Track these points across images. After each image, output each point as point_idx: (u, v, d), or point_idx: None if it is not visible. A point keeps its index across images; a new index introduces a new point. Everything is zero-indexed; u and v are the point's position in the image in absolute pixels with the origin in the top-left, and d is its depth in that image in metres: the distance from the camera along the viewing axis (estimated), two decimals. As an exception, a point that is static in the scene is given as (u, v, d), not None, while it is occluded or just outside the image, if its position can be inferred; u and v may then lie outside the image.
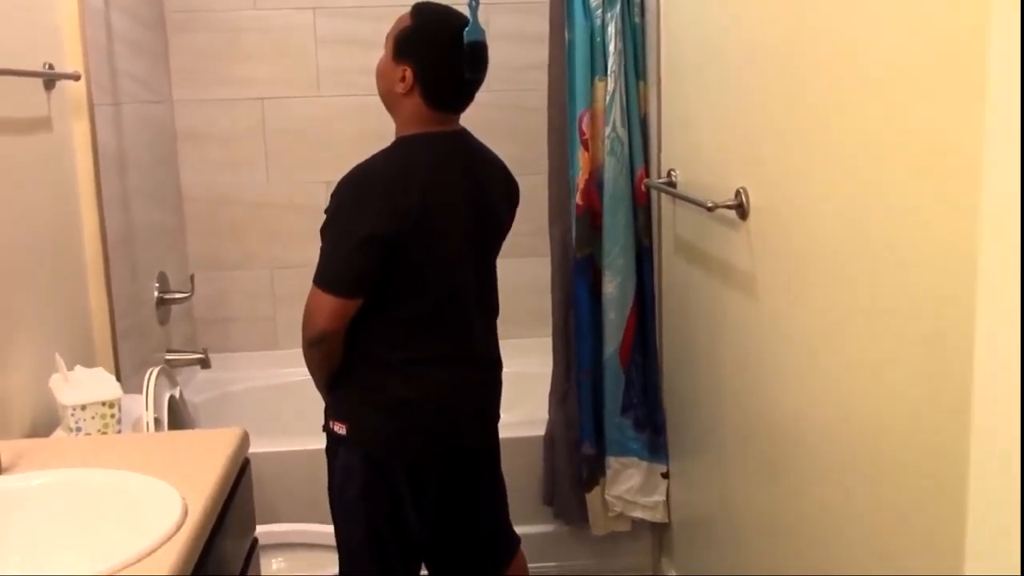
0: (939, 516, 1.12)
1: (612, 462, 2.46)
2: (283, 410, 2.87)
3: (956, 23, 1.04)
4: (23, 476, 1.36)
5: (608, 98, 2.32)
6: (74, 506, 1.29)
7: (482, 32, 1.72)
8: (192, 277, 2.96)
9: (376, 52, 1.83)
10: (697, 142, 2.02)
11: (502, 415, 1.96)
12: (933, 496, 1.13)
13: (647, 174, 2.38)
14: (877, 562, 1.29)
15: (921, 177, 1.13)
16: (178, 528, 1.18)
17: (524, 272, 2.88)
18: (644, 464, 2.44)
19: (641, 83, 2.37)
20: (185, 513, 1.22)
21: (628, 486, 2.45)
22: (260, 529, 1.67)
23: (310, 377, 1.82)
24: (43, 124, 2.06)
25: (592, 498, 2.47)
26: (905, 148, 1.16)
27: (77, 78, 2.14)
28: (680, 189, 2.12)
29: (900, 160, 1.17)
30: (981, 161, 0.99)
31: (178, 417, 2.13)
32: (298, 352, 1.79)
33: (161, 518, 1.19)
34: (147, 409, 1.94)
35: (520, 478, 2.29)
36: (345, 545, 1.83)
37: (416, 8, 1.77)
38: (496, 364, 1.92)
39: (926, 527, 1.15)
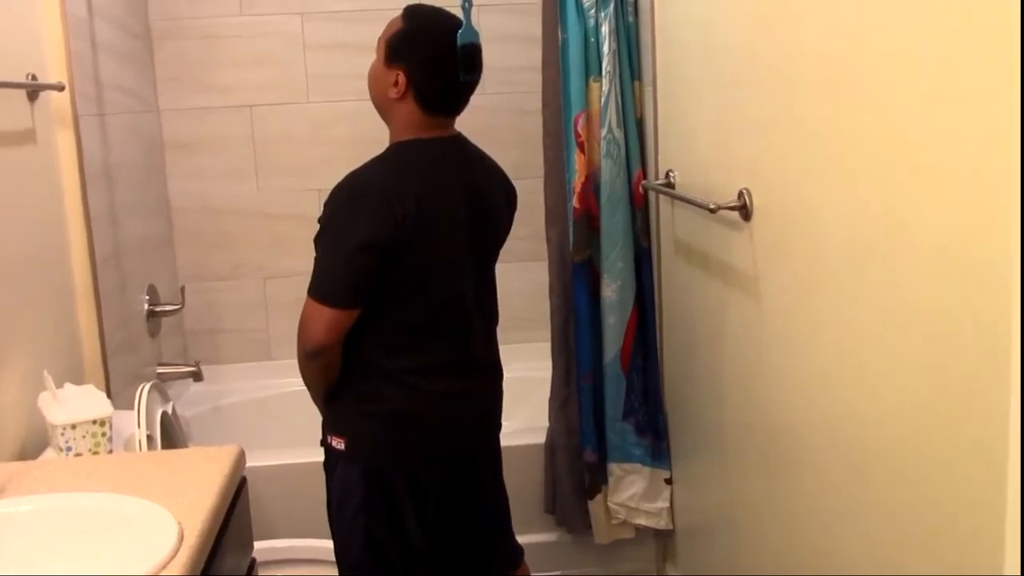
0: (944, 520, 1.11)
1: (614, 468, 2.43)
2: (277, 422, 2.84)
3: (958, 21, 1.02)
4: (12, 501, 1.32)
5: (603, 99, 2.30)
6: (65, 533, 1.25)
7: (475, 34, 1.69)
8: (182, 289, 2.92)
9: (367, 57, 1.80)
10: (695, 143, 1.99)
11: (502, 422, 1.93)
12: (938, 500, 1.12)
13: (645, 176, 2.35)
14: (881, 566, 1.28)
15: (925, 177, 1.11)
16: (174, 554, 1.15)
17: (523, 277, 2.86)
18: (647, 470, 2.42)
19: (636, 83, 2.34)
20: (181, 538, 1.19)
21: (631, 493, 2.42)
22: (257, 545, 1.64)
23: (304, 388, 1.79)
24: (27, 136, 2.02)
25: (595, 506, 2.45)
26: (910, 147, 1.14)
27: (61, 89, 2.11)
28: (679, 190, 2.09)
29: (906, 159, 1.16)
30: (988, 160, 0.98)
31: (171, 433, 2.09)
32: (291, 363, 1.75)
33: (156, 544, 1.16)
34: (139, 427, 1.90)
35: (521, 486, 2.26)
36: (346, 560, 1.80)
37: (407, 11, 1.74)
38: (496, 371, 1.89)
39: (933, 532, 1.14)
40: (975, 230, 1.01)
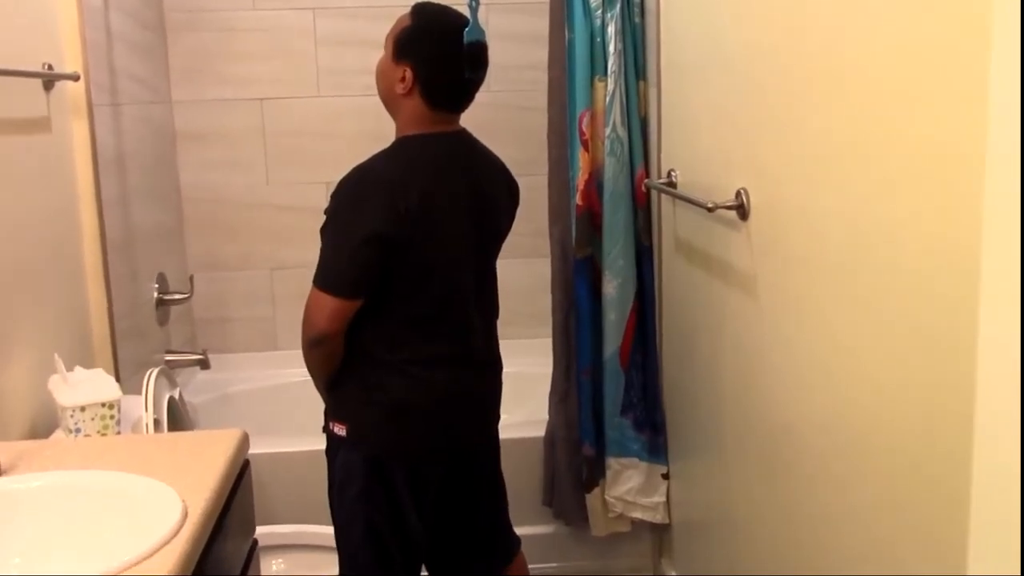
0: (941, 516, 1.11)
1: (612, 463, 2.45)
2: (282, 411, 2.86)
3: (958, 22, 1.04)
4: (22, 478, 1.35)
5: (608, 98, 2.32)
6: (73, 508, 1.28)
7: (482, 32, 1.72)
8: (191, 278, 2.96)
9: (376, 52, 1.83)
10: (697, 142, 2.02)
11: (502, 415, 1.96)
12: (935, 496, 1.13)
13: (647, 174, 2.37)
14: (877, 563, 1.28)
15: (923, 177, 1.12)
16: (178, 530, 1.18)
17: (524, 272, 2.88)
18: (644, 465, 2.44)
19: (641, 83, 2.37)
20: (185, 515, 1.22)
21: (628, 487, 2.45)
22: (260, 530, 1.67)
23: (309, 378, 1.82)
24: (42, 125, 2.05)
25: (592, 499, 2.47)
26: (907, 148, 1.16)
27: (76, 78, 2.14)
28: (680, 189, 2.11)
29: (902, 160, 1.17)
30: (983, 161, 0.99)
31: (177, 418, 2.12)
32: (297, 353, 1.78)
33: (161, 520, 1.19)
34: (147, 410, 1.93)
35: (520, 479, 2.28)
36: (345, 546, 1.83)
37: (416, 8, 1.77)
38: (496, 365, 1.91)
39: (928, 527, 1.15)
40: (974, 229, 1.01)
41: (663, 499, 2.44)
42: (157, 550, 1.13)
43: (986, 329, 1.01)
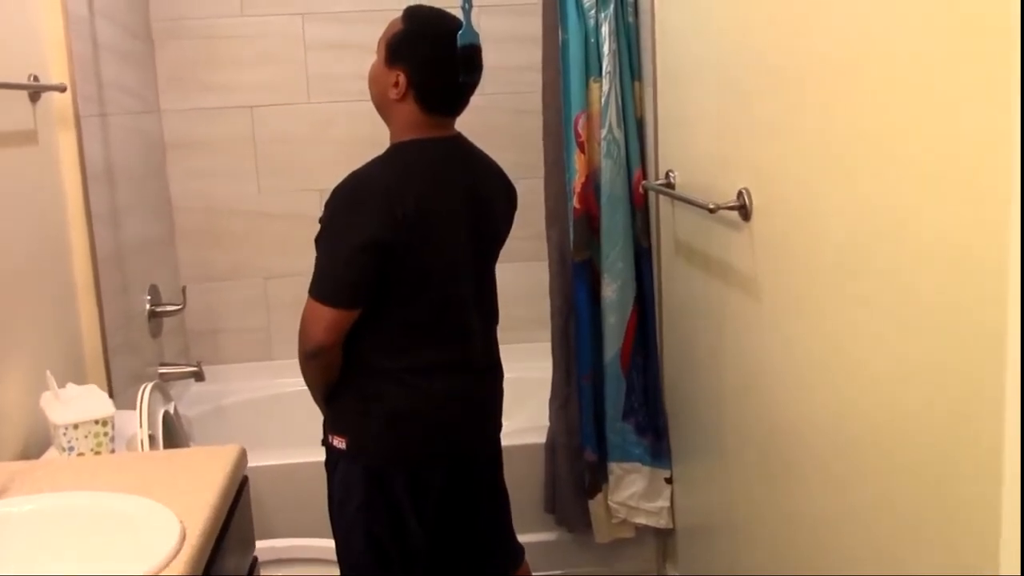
0: (943, 517, 1.11)
1: (614, 468, 2.43)
2: (278, 422, 2.84)
3: (958, 21, 1.02)
4: (14, 501, 1.32)
5: (603, 99, 2.30)
6: (68, 532, 1.25)
7: (476, 35, 1.70)
8: (184, 289, 2.93)
9: (367, 57, 1.80)
10: (695, 143, 2.00)
11: (502, 422, 1.94)
12: (938, 500, 1.12)
13: (644, 176, 2.35)
14: (882, 567, 1.27)
15: (925, 177, 1.11)
16: (176, 553, 1.15)
17: (523, 277, 2.85)
18: (647, 469, 2.42)
19: (636, 84, 2.34)
20: (183, 537, 1.19)
21: (631, 492, 2.42)
22: (258, 545, 1.64)
23: (305, 388, 1.79)
24: (29, 137, 2.02)
25: (595, 505, 2.45)
26: (908, 147, 1.14)
27: (63, 90, 2.11)
28: (679, 190, 2.09)
29: (904, 160, 1.16)
30: (984, 160, 0.98)
31: (173, 433, 2.09)
32: (292, 363, 1.76)
33: (158, 543, 1.16)
34: (141, 426, 1.90)
35: (521, 486, 2.25)
36: (346, 559, 1.81)
37: (408, 12, 1.75)
38: (496, 370, 1.89)
39: (928, 528, 1.15)
40: (974, 229, 1.01)
41: (667, 504, 2.42)
42: (155, 575, 1.10)
43: (988, 328, 1.00)
